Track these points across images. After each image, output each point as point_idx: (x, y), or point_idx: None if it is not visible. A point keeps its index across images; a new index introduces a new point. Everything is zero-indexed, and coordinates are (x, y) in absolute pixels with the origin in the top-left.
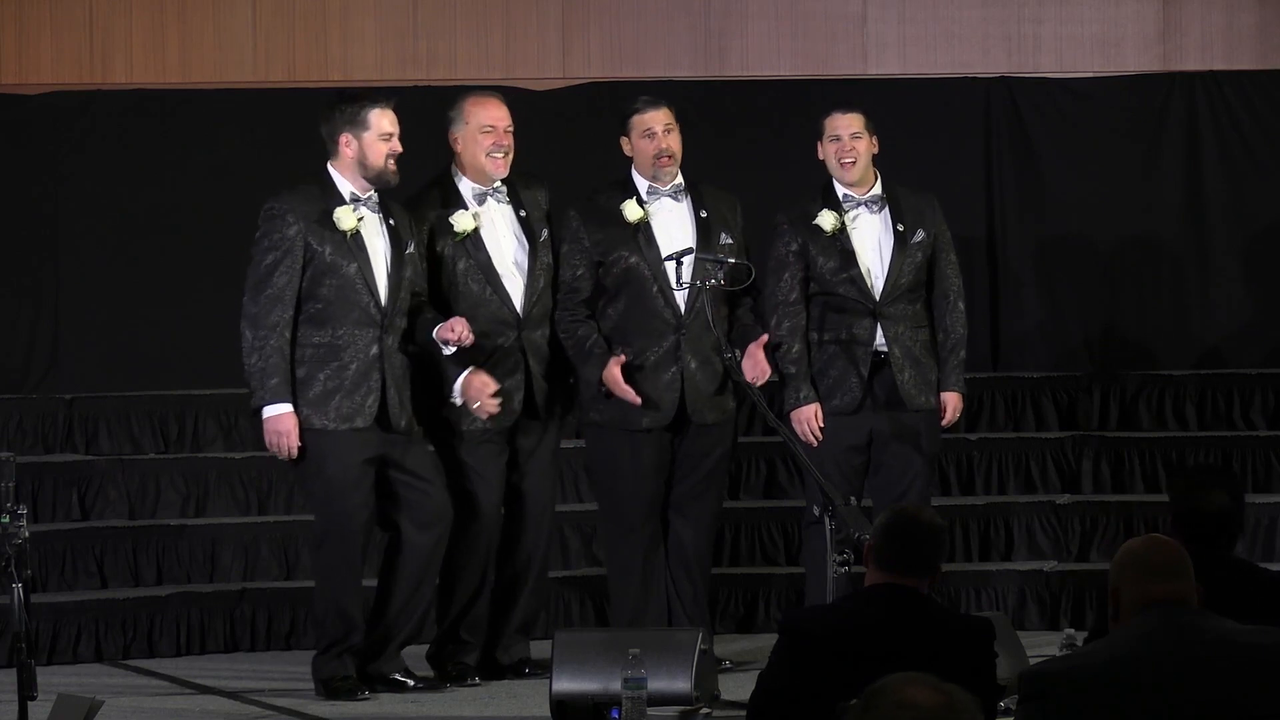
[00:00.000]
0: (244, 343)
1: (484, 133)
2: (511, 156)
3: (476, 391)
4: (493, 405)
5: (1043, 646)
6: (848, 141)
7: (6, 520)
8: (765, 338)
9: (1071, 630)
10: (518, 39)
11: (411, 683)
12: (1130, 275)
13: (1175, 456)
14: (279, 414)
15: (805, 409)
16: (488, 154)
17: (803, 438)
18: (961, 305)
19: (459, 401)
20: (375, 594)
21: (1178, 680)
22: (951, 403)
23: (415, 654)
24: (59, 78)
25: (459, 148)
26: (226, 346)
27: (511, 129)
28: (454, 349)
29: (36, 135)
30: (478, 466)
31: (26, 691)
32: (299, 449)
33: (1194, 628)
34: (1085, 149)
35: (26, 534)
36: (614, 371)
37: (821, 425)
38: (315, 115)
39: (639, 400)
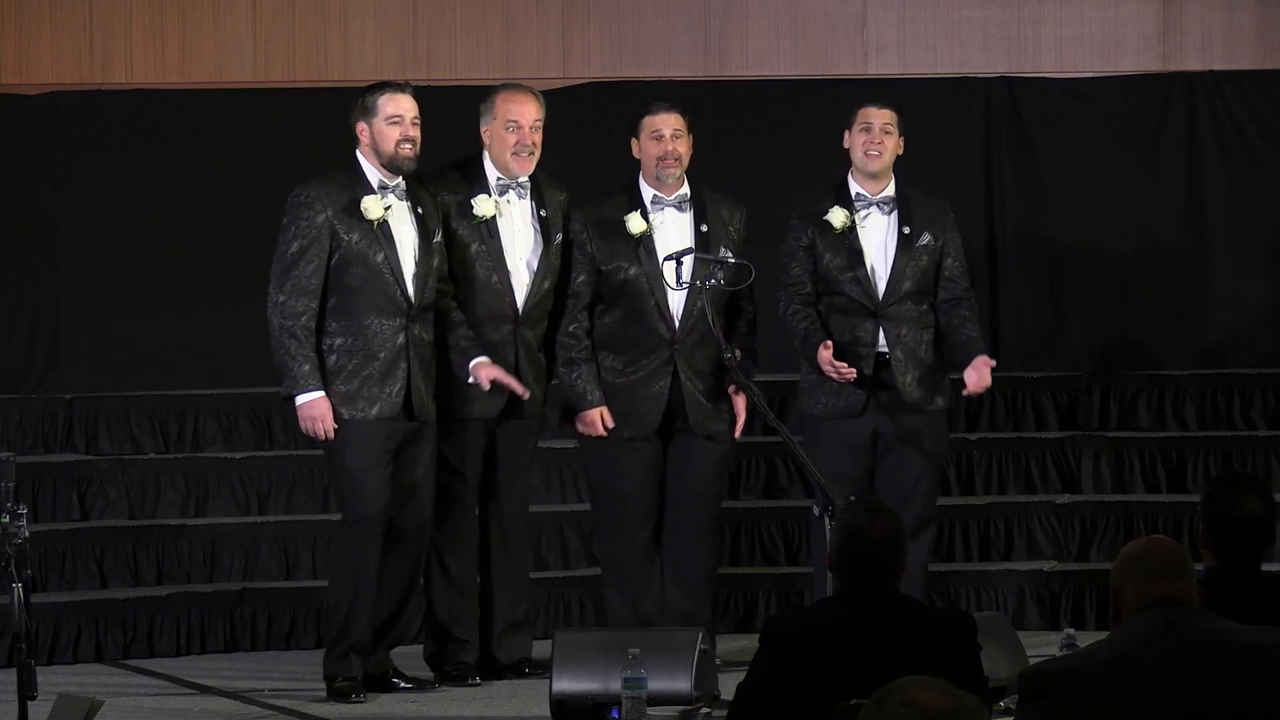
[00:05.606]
0: (271, 331)
1: (508, 129)
2: (538, 155)
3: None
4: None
5: (1043, 646)
6: (878, 133)
7: (6, 520)
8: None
9: (1071, 630)
10: (518, 39)
11: (401, 683)
12: (1130, 275)
13: (1175, 456)
14: (311, 399)
15: (823, 352)
16: (512, 152)
17: (837, 375)
18: (973, 300)
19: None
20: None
21: (1178, 680)
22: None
23: (414, 654)
24: (59, 78)
25: (486, 140)
26: (227, 346)
27: (540, 125)
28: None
29: (36, 135)
30: (454, 459)
31: (26, 691)
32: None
33: (1194, 628)
34: (1085, 149)
35: (26, 534)
36: (595, 418)
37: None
38: (315, 115)
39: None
